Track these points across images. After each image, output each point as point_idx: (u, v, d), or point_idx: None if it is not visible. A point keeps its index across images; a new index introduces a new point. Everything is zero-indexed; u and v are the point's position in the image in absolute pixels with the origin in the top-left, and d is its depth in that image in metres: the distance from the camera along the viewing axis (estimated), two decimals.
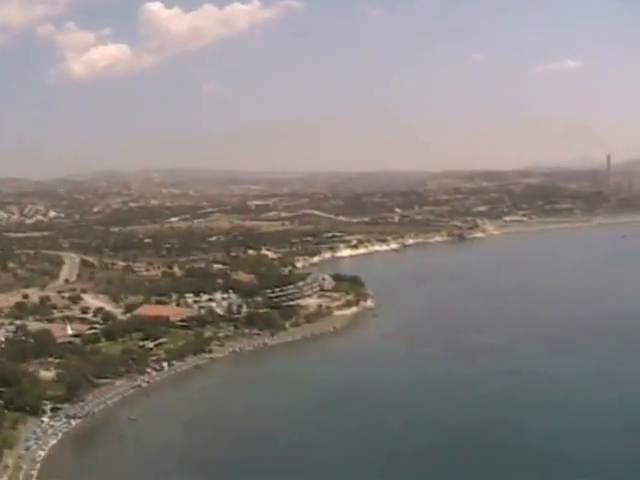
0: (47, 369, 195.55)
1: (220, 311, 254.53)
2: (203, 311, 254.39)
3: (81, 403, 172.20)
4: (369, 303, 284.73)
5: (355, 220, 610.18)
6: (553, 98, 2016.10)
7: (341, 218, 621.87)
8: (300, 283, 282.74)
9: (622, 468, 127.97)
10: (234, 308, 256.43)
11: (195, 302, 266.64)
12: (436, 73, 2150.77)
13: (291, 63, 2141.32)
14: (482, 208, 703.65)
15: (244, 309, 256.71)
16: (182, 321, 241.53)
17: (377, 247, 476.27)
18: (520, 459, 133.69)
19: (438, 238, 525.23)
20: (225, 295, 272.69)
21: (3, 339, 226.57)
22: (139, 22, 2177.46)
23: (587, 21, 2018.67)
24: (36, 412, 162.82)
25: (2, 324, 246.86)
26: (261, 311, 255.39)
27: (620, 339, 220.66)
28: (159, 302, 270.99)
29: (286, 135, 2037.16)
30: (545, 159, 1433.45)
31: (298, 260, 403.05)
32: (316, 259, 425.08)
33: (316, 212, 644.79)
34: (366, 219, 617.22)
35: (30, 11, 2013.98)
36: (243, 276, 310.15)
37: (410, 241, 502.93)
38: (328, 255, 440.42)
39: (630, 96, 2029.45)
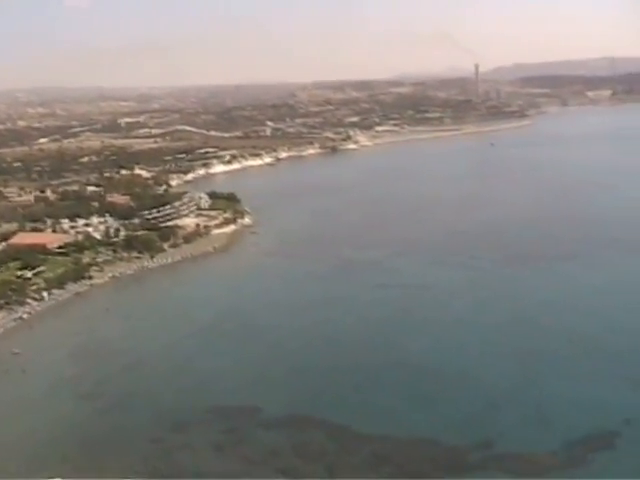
0: None
1: (97, 236, 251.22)
2: (80, 236, 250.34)
3: None
4: (247, 220, 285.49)
5: (227, 135, 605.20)
6: (421, 9, 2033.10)
7: (213, 133, 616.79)
8: (177, 203, 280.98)
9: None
10: (112, 232, 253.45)
11: (71, 227, 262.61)
12: None
13: None
14: (354, 119, 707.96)
15: (122, 232, 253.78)
16: (60, 248, 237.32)
17: (251, 162, 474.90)
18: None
19: (311, 151, 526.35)
20: (102, 219, 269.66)
21: None
22: None
23: None
24: None
25: None
26: (139, 233, 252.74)
27: (500, 250, 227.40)
28: (34, 229, 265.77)
29: (154, 50, 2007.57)
30: (415, 69, 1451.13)
31: (172, 178, 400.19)
32: (190, 176, 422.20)
33: (188, 128, 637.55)
34: (238, 133, 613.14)
35: None
36: (118, 198, 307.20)
37: (283, 154, 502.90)
38: (202, 172, 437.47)
39: (496, 5, 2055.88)
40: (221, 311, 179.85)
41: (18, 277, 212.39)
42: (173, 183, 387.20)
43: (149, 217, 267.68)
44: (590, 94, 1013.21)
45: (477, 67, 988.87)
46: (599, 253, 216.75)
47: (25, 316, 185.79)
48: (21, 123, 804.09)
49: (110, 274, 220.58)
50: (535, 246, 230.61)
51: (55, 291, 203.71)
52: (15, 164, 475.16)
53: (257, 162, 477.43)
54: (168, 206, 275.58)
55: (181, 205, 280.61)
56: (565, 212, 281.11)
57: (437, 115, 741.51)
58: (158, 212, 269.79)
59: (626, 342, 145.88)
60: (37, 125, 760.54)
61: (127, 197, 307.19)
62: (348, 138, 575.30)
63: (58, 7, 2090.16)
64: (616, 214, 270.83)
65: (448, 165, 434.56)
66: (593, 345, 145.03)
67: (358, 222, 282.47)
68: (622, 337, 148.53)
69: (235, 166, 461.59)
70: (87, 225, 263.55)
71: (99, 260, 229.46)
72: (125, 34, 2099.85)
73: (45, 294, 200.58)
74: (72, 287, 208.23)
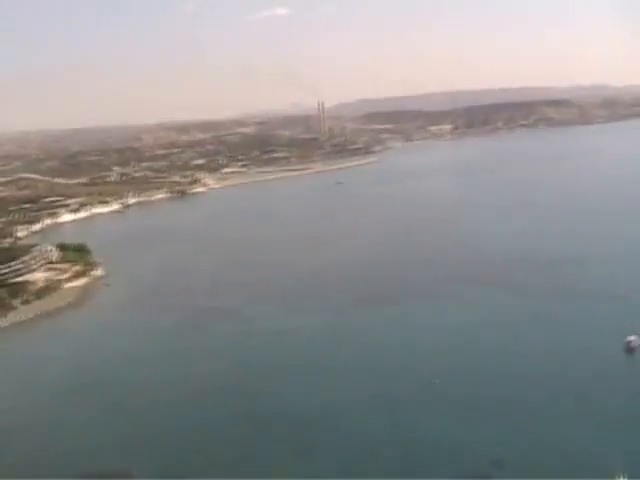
0: None
1: None
2: None
3: None
4: (99, 272, 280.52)
5: (73, 181, 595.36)
6: (264, 46, 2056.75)
7: (58, 180, 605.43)
8: (26, 257, 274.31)
9: None
10: None
11: None
12: (145, 24, 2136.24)
13: None
14: (200, 161, 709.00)
15: None
16: None
17: (99, 209, 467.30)
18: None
19: (160, 195, 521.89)
20: None
21: None
22: None
23: None
24: None
25: None
26: None
27: (349, 292, 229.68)
28: None
29: None
30: (257, 107, 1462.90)
31: (19, 230, 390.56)
32: (37, 227, 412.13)
33: (32, 175, 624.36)
34: (84, 180, 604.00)
35: None
36: None
37: (132, 200, 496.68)
38: (49, 222, 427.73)
39: (335, 41, 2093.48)
40: (71, 370, 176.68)
41: None
42: (20, 234, 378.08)
43: None
44: (433, 128, 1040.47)
45: (321, 104, 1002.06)
46: (443, 290, 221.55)
47: None
48: None
49: None
50: (380, 286, 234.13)
51: None
52: None
53: (105, 209, 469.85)
54: (17, 261, 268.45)
55: (30, 259, 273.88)
56: (409, 250, 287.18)
57: (283, 155, 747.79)
58: (7, 267, 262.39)
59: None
60: None
61: None
62: (196, 181, 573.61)
63: None
64: (456, 251, 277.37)
65: (295, 206, 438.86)
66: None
67: (209, 268, 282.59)
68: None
69: (83, 214, 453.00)
70: None
71: None
72: None
73: None
74: None
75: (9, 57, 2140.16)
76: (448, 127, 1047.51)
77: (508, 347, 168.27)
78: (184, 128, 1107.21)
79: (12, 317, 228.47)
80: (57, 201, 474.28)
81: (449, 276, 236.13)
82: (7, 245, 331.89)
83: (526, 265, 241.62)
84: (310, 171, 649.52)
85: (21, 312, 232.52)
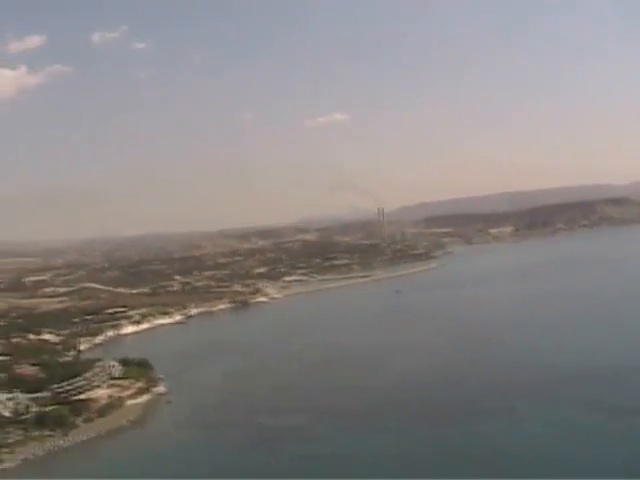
0: None
1: (6, 413, 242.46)
2: None
3: None
4: (161, 388, 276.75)
5: (135, 291, 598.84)
6: (323, 151, 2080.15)
7: (120, 290, 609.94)
8: (88, 373, 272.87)
9: None
10: (21, 408, 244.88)
11: None
12: (206, 132, 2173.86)
13: (62, 128, 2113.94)
14: (261, 270, 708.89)
15: (32, 408, 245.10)
16: None
17: (161, 320, 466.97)
18: None
19: (221, 306, 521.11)
20: (10, 395, 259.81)
21: None
22: None
23: (353, 76, 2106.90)
24: None
25: None
26: (50, 409, 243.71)
27: (415, 410, 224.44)
28: None
29: (59, 201, 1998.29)
30: (316, 212, 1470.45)
31: (81, 342, 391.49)
32: (100, 339, 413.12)
33: (94, 285, 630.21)
34: (146, 289, 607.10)
35: None
36: (27, 369, 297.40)
37: (194, 311, 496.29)
38: (111, 333, 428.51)
39: (395, 146, 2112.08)
40: None
41: None
42: (83, 347, 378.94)
43: (60, 390, 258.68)
44: (493, 231, 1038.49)
45: (381, 209, 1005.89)
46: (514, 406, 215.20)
47: None
48: None
49: (21, 456, 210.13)
50: (445, 404, 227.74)
51: None
52: None
53: (167, 320, 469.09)
54: (79, 377, 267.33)
55: (93, 375, 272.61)
56: (471, 365, 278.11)
57: (344, 262, 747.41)
58: (69, 384, 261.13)
59: None
60: None
61: (36, 368, 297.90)
62: (257, 291, 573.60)
63: None
64: (526, 366, 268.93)
65: (353, 318, 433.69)
66: None
67: (271, 383, 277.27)
68: None
69: (145, 326, 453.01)
70: None
71: (9, 441, 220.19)
72: (27, 185, 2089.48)
73: None
74: None
75: (71, 164, 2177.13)
76: (508, 229, 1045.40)
77: None
78: (245, 235, 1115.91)
79: (75, 436, 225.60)
80: (119, 312, 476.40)
81: (521, 394, 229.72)
82: (70, 359, 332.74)
83: (604, 382, 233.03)
84: (371, 278, 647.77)
85: (83, 431, 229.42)
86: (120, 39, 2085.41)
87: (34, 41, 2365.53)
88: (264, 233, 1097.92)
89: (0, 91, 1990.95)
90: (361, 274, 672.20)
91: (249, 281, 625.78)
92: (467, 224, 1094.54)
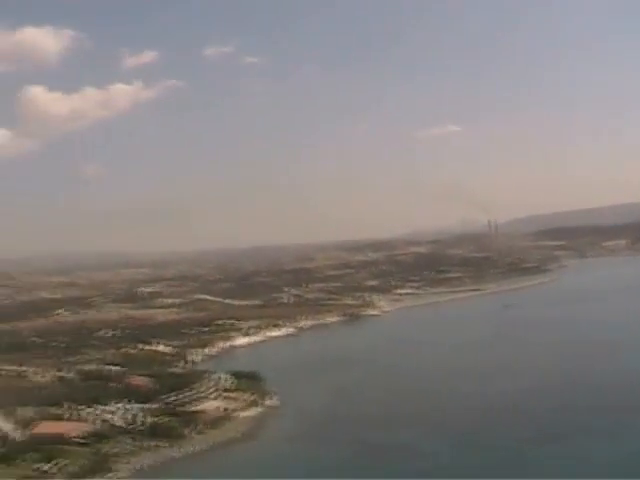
0: None
1: (119, 423, 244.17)
2: (101, 424, 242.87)
3: None
4: (272, 401, 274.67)
5: (247, 303, 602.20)
6: (434, 163, 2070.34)
7: (232, 302, 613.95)
8: (200, 385, 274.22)
9: None
10: (133, 419, 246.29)
11: (92, 414, 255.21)
12: (317, 144, 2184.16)
13: (174, 142, 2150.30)
14: (373, 282, 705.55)
15: (144, 419, 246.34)
16: (80, 438, 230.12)
17: (272, 333, 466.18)
18: None
19: (332, 318, 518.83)
20: (123, 405, 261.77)
21: None
22: (20, 106, 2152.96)
23: (468, 87, 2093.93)
24: None
25: None
26: (161, 420, 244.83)
27: (530, 426, 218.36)
28: (54, 415, 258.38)
29: (172, 213, 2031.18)
30: (428, 224, 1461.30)
31: (193, 353, 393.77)
32: (211, 350, 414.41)
33: (207, 297, 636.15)
34: (257, 301, 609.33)
35: None
36: (138, 379, 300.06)
37: (305, 324, 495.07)
38: (223, 345, 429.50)
39: (507, 157, 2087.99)
40: None
41: (36, 470, 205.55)
42: (194, 358, 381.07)
43: (171, 401, 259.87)
44: (607, 244, 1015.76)
45: (493, 222, 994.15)
46: None
47: None
48: (40, 292, 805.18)
49: (133, 466, 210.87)
50: (560, 422, 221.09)
51: None
52: (33, 339, 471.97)
53: (278, 333, 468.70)
54: (190, 389, 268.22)
55: (204, 387, 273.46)
56: (592, 387, 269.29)
57: (456, 275, 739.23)
58: (180, 395, 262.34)
59: None
60: (56, 296, 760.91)
61: (147, 378, 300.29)
62: (368, 304, 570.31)
63: (79, 174, 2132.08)
64: None
65: (465, 332, 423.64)
66: None
67: (381, 397, 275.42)
68: None
69: (256, 338, 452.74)
70: (107, 412, 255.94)
71: (121, 450, 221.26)
72: (141, 198, 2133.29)
73: None
74: None
75: (184, 176, 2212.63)
76: (623, 242, 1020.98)
77: None
78: (357, 247, 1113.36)
79: (186, 447, 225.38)
80: (230, 324, 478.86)
81: None
82: (181, 370, 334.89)
83: None
84: (483, 292, 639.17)
85: (194, 442, 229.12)
86: (232, 53, 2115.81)
87: (149, 56, 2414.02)
88: (376, 245, 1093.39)
89: (117, 106, 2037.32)
90: (472, 287, 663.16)
91: (360, 294, 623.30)
92: (579, 237, 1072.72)
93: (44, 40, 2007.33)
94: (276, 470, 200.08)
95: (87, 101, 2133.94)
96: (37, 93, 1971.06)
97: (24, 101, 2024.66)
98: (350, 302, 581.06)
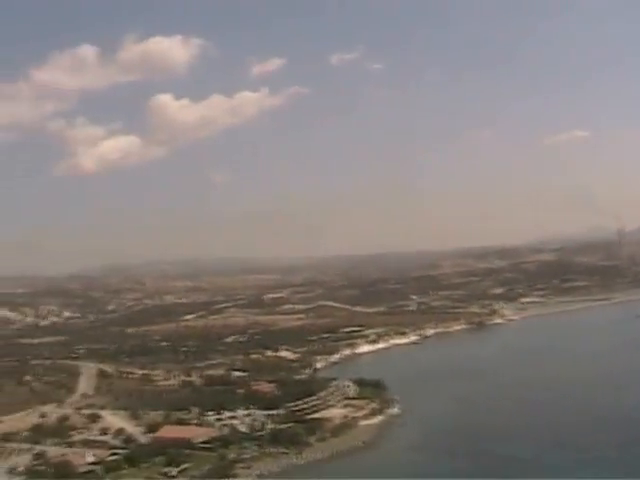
0: None
1: (243, 429, 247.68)
2: (225, 429, 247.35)
3: None
4: (395, 410, 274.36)
5: (371, 310, 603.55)
6: (560, 169, 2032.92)
7: (357, 308, 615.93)
8: (323, 393, 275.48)
9: None
10: (257, 425, 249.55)
11: (217, 420, 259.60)
12: (447, 151, 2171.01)
13: (299, 148, 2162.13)
14: (498, 290, 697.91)
15: (268, 425, 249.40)
16: (205, 443, 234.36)
17: (397, 340, 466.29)
18: None
19: (458, 326, 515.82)
20: (247, 411, 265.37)
21: (23, 469, 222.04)
22: (149, 114, 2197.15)
23: (596, 92, 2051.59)
24: None
25: (21, 450, 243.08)
26: (285, 427, 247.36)
27: None
28: (180, 420, 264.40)
29: (297, 220, 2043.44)
30: (553, 231, 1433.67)
31: (317, 360, 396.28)
32: (335, 357, 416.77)
33: (332, 304, 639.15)
34: (382, 308, 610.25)
35: (41, 108, 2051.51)
36: (264, 386, 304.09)
37: (429, 332, 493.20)
38: (347, 352, 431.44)
39: (635, 164, 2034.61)
40: None
41: (163, 474, 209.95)
42: (318, 365, 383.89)
43: (295, 408, 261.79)
44: None
45: (621, 230, 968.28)
46: None
47: None
48: (168, 297, 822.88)
49: (256, 472, 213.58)
50: None
51: None
52: (162, 343, 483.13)
53: (403, 340, 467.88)
54: (314, 396, 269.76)
55: (327, 394, 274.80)
56: None
57: (584, 284, 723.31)
58: (304, 403, 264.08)
59: None
60: (183, 301, 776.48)
61: (272, 385, 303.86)
62: (494, 312, 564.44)
63: (207, 181, 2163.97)
64: None
65: (591, 343, 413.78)
66: None
67: (508, 409, 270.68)
68: None
69: (380, 345, 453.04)
70: (232, 418, 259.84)
71: (245, 456, 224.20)
72: (267, 204, 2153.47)
73: None
74: None
75: (310, 181, 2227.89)
76: None
77: None
78: (481, 254, 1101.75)
79: (308, 455, 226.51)
80: (355, 331, 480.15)
81: None
82: (305, 377, 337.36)
83: None
84: (611, 301, 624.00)
85: (317, 450, 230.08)
86: (357, 60, 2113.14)
87: (275, 64, 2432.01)
88: (502, 253, 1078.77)
89: (243, 113, 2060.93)
90: (600, 297, 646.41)
91: (486, 302, 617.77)
92: None
93: (173, 49, 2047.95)
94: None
95: (214, 109, 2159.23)
96: (166, 101, 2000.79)
97: (153, 109, 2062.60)
98: (475, 310, 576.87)
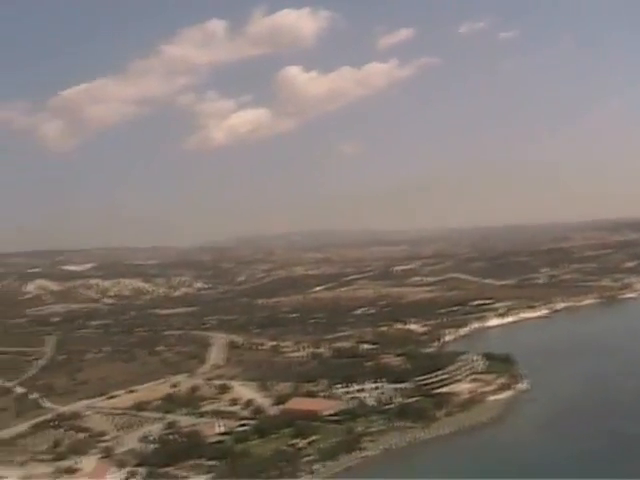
0: (198, 473, 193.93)
1: (371, 402, 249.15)
2: (353, 402, 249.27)
3: None
4: (524, 385, 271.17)
5: (501, 283, 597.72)
6: None
7: (487, 281, 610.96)
8: (451, 367, 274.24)
9: None
10: (385, 398, 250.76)
11: (345, 393, 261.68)
12: (578, 122, 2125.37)
13: (429, 120, 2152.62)
14: (631, 264, 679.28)
15: (396, 399, 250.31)
16: (332, 415, 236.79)
17: (526, 314, 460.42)
18: None
19: (588, 301, 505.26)
20: (375, 385, 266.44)
21: (155, 437, 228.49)
22: (278, 87, 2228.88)
23: None
24: None
25: (153, 419, 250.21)
26: (412, 400, 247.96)
27: None
28: (308, 392, 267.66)
29: (425, 191, 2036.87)
30: None
31: (446, 333, 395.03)
32: (464, 331, 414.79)
33: (461, 276, 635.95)
34: (512, 281, 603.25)
35: (172, 82, 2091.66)
36: (392, 359, 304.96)
37: (559, 306, 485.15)
38: (476, 325, 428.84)
39: None
40: None
41: (291, 446, 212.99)
42: (447, 338, 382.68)
43: (422, 382, 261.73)
44: None
45: None
46: None
47: None
48: (297, 269, 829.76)
49: (383, 445, 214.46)
50: None
51: (327, 463, 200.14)
52: (291, 315, 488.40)
53: (532, 314, 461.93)
54: (442, 370, 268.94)
55: (456, 369, 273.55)
56: None
57: None
58: (432, 377, 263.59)
59: None
60: (313, 272, 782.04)
61: (400, 358, 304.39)
62: (626, 287, 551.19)
63: (336, 153, 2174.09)
64: None
65: None
66: None
67: (635, 388, 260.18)
68: None
69: (509, 319, 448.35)
70: (360, 391, 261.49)
71: (372, 430, 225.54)
72: (397, 176, 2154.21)
73: (317, 466, 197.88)
74: (344, 459, 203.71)
75: (439, 155, 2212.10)
76: None
77: None
78: (615, 227, 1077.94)
79: (435, 429, 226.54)
80: (485, 304, 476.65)
81: None
82: (433, 351, 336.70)
83: None
84: None
85: (443, 425, 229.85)
86: (486, 29, 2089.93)
87: (404, 34, 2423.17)
88: (635, 225, 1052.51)
89: (372, 84, 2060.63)
90: None
91: (618, 275, 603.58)
92: None
93: (301, 22, 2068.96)
94: (518, 459, 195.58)
95: (343, 80, 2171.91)
96: (294, 74, 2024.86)
97: (282, 82, 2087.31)
98: (607, 284, 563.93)
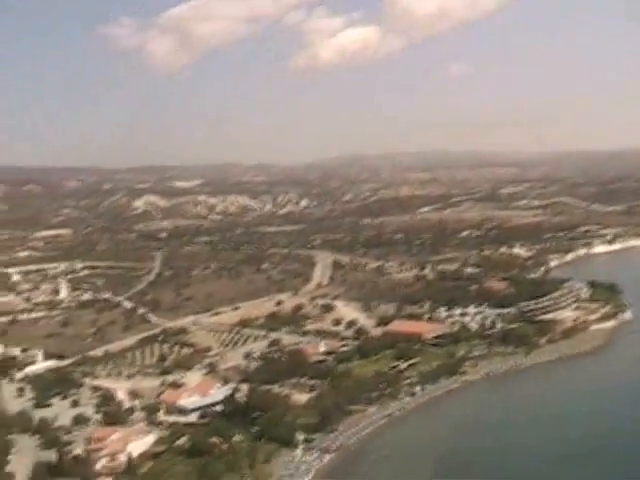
0: (300, 392, 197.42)
1: (473, 327, 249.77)
2: (455, 326, 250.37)
3: (333, 434, 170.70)
4: (628, 315, 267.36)
5: (609, 209, 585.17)
6: None
7: (595, 207, 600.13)
8: (555, 294, 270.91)
9: None
10: (488, 323, 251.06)
11: (448, 317, 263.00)
12: None
13: (539, 44, 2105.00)
14: None
15: (498, 324, 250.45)
16: (434, 338, 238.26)
17: (635, 242, 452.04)
18: None
19: None
20: (478, 309, 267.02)
21: (259, 354, 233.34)
22: (387, 4, 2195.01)
23: None
24: (289, 443, 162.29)
25: (257, 337, 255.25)
26: (515, 326, 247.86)
27: None
28: (411, 314, 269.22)
29: (534, 114, 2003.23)
30: None
31: (551, 259, 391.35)
32: (570, 257, 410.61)
33: (568, 201, 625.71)
34: (621, 208, 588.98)
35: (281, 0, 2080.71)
36: (496, 284, 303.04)
37: None
38: (582, 252, 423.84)
39: None
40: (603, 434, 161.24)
41: (392, 367, 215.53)
42: (552, 264, 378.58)
43: (526, 308, 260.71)
44: None
45: None
46: None
47: (397, 413, 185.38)
48: (403, 189, 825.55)
49: (483, 370, 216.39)
50: None
51: (427, 386, 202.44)
52: (396, 236, 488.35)
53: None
54: (546, 297, 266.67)
55: (560, 296, 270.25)
56: None
57: None
58: (536, 303, 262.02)
59: None
60: (419, 193, 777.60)
61: (504, 283, 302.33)
62: None
63: (444, 74, 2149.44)
64: None
65: None
66: None
67: None
68: None
69: (617, 246, 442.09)
70: (463, 315, 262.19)
71: (473, 354, 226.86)
72: (506, 98, 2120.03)
73: (418, 389, 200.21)
74: (444, 383, 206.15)
75: (556, 83, 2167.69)
76: None
77: None
78: None
79: (536, 356, 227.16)
80: (592, 230, 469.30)
81: None
82: (538, 276, 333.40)
83: None
84: None
85: (545, 352, 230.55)
86: None
87: None
88: None
89: (482, 6, 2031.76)
90: None
91: None
92: None
93: None
94: (616, 391, 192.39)
95: (453, 0, 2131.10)
96: None
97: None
98: None
